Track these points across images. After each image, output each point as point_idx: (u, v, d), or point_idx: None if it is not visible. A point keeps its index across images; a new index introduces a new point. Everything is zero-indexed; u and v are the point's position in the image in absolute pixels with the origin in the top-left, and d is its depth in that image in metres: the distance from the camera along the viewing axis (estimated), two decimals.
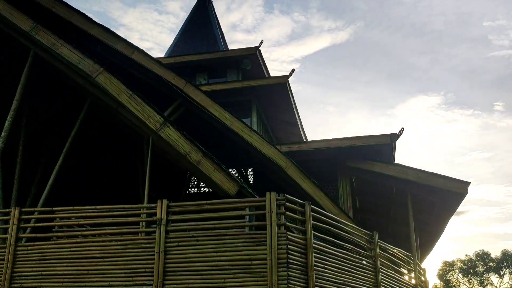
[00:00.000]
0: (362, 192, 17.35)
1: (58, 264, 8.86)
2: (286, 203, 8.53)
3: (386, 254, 11.30)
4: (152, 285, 8.38)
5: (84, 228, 9.79)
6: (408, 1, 49.32)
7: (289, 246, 8.25)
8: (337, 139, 15.70)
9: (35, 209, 9.36)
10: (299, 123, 21.41)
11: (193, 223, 8.76)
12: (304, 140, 21.29)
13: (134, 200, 15.80)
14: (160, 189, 15.28)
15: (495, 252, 73.48)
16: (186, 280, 8.34)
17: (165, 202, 8.81)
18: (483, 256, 64.29)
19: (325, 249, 9.04)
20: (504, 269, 63.04)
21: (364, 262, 10.23)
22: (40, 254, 9.00)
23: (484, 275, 63.83)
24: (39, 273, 8.87)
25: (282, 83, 19.04)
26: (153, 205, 8.97)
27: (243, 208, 9.00)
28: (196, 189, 16.59)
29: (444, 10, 47.92)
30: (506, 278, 62.45)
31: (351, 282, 9.55)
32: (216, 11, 27.99)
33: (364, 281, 10.01)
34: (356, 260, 9.91)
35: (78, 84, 10.20)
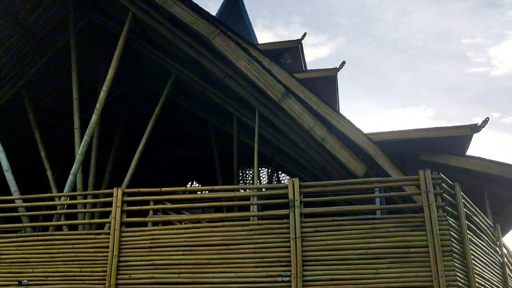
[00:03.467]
0: None
1: (173, 252, 7.66)
2: (442, 184, 7.48)
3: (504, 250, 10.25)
4: (290, 276, 7.22)
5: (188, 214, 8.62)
6: (389, 18, 49.10)
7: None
8: (412, 130, 14.61)
9: (140, 189, 8.15)
10: None
11: (334, 207, 7.64)
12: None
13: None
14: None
15: None
16: (330, 270, 7.19)
17: (297, 181, 7.68)
18: None
19: (472, 238, 7.98)
20: None
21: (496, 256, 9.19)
22: (150, 241, 7.78)
23: None
24: (151, 262, 7.66)
25: (331, 77, 18.03)
26: (281, 185, 7.83)
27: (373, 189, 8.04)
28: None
29: (424, 27, 47.85)
30: None
31: (492, 278, 8.49)
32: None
33: (497, 277, 8.96)
34: (492, 254, 8.87)
35: (176, 52, 9.08)
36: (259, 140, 11.07)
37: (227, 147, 12.13)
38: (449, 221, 7.22)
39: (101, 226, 9.09)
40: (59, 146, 12.09)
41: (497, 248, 9.54)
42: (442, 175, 7.57)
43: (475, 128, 14.30)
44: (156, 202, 8.57)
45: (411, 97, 50.43)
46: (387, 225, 7.31)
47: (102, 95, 8.91)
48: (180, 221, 8.12)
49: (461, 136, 14.40)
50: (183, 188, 8.05)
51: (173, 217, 8.11)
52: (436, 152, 14.63)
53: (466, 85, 47.46)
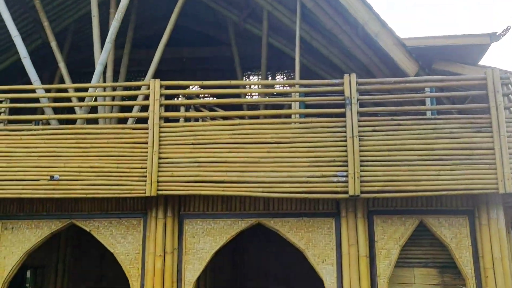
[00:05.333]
0: None
1: (219, 150, 7.13)
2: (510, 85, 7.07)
3: None
4: (346, 176, 6.85)
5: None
6: None
7: None
8: (428, 37, 13.99)
9: (179, 82, 7.46)
10: None
11: (394, 107, 7.21)
12: None
13: None
14: None
15: None
16: (389, 171, 6.85)
17: (353, 77, 7.13)
18: None
19: None
20: None
21: None
22: (193, 137, 7.21)
23: None
24: (194, 159, 7.14)
25: None
26: (336, 81, 7.27)
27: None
28: None
29: None
30: None
31: None
32: None
33: None
34: None
35: None
36: (286, 38, 10.38)
37: (247, 48, 11.38)
38: None
39: (124, 121, 8.44)
40: (62, 36, 11.00)
41: None
42: (510, 76, 7.15)
43: (494, 37, 13.80)
44: (190, 97, 7.98)
45: None
46: (451, 126, 6.93)
47: None
48: (224, 118, 7.54)
49: (478, 45, 13.94)
50: (227, 82, 7.37)
51: (218, 113, 7.51)
52: (451, 61, 14.19)
53: None
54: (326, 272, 7.09)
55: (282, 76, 12.71)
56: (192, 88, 10.90)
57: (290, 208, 7.37)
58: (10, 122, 7.83)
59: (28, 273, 9.89)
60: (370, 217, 7.22)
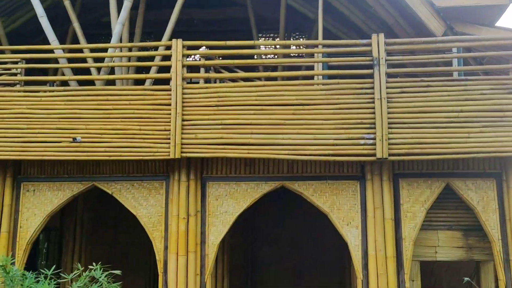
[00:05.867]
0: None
1: (244, 112, 7.00)
2: None
3: None
4: (374, 138, 6.73)
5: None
6: None
7: None
8: None
9: (202, 42, 7.26)
10: None
11: (420, 68, 7.03)
12: None
13: None
14: None
15: None
16: (417, 133, 6.73)
17: (382, 37, 6.94)
18: None
19: None
20: None
21: None
22: (217, 99, 7.06)
23: None
24: (219, 121, 7.01)
25: None
26: (363, 41, 7.08)
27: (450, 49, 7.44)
28: None
29: None
30: None
31: None
32: None
33: None
34: None
35: None
36: None
37: (260, 10, 11.07)
38: None
39: (141, 83, 8.26)
40: None
41: None
42: None
43: None
44: (210, 58, 7.78)
45: None
46: (481, 87, 6.79)
47: None
48: (246, 79, 7.37)
49: (496, 5, 13.61)
50: (251, 42, 7.18)
51: (241, 74, 7.34)
52: (467, 22, 13.89)
53: None
54: (351, 235, 7.06)
55: (295, 39, 12.46)
56: (202, 49, 10.67)
57: (315, 171, 7.30)
58: (27, 83, 7.67)
59: (41, 236, 9.91)
60: (395, 180, 7.16)
